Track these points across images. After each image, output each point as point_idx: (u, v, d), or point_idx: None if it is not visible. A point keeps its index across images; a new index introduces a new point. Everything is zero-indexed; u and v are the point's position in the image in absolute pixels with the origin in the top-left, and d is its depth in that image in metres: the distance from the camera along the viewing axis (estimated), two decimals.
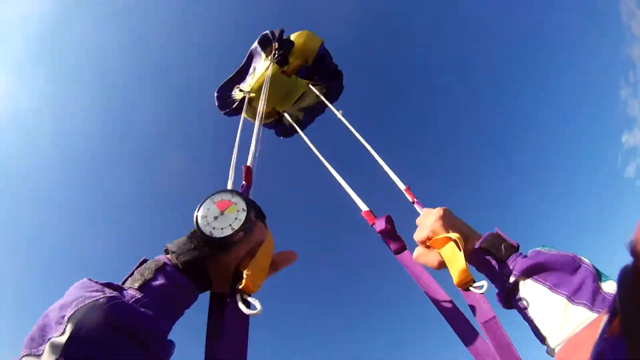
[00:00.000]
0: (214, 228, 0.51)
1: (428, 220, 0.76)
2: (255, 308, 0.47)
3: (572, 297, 0.54)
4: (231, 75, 2.24)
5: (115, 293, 0.40)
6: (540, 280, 0.59)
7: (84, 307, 0.36)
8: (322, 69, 2.28)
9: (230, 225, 0.51)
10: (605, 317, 0.20)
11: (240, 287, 0.49)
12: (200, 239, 0.50)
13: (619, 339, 0.18)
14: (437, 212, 0.75)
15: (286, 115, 2.26)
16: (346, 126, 1.72)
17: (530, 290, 0.59)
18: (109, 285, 0.42)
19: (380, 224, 0.86)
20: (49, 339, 0.34)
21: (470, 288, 0.66)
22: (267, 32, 2.12)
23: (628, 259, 0.19)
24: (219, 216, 0.52)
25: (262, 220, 0.59)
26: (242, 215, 0.52)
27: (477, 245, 0.69)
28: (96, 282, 0.42)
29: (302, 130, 2.14)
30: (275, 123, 2.42)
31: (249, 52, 2.19)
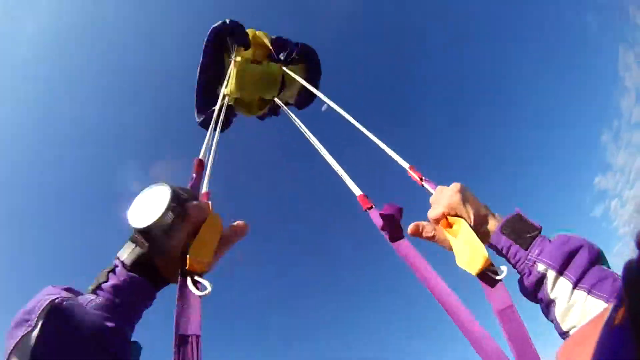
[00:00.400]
0: (140, 219, 0.51)
1: (444, 194, 0.72)
2: (205, 288, 0.49)
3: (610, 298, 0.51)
4: (202, 84, 2.09)
5: (69, 295, 0.44)
6: (568, 276, 0.54)
7: (45, 308, 0.40)
8: (283, 48, 2.19)
9: (154, 211, 0.51)
10: (609, 311, 0.20)
11: (186, 267, 0.50)
12: (138, 236, 0.51)
13: (624, 331, 0.17)
14: (454, 186, 0.71)
15: (277, 100, 2.17)
16: (336, 109, 1.63)
17: (560, 284, 0.55)
18: (68, 289, 0.46)
19: (381, 211, 0.79)
20: (20, 335, 0.38)
21: (488, 273, 0.60)
22: (216, 25, 1.98)
23: (634, 252, 0.18)
24: (146, 209, 0.52)
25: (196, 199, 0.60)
26: (166, 200, 0.52)
27: (497, 228, 0.64)
28: (56, 287, 0.45)
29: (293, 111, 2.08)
30: (269, 112, 2.35)
31: (206, 52, 2.03)
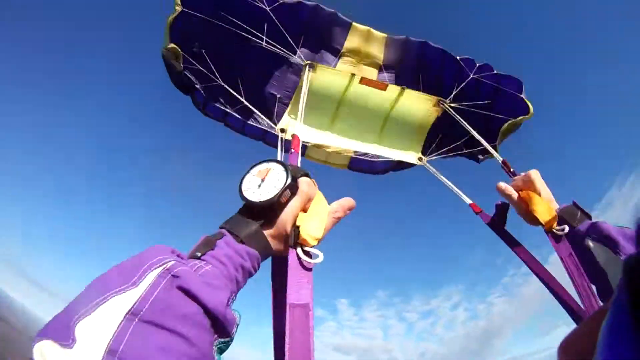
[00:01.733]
0: (260, 194, 0.53)
1: (525, 175, 1.02)
2: (317, 256, 0.51)
3: None
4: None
5: (178, 259, 0.43)
6: (609, 246, 0.72)
7: (155, 271, 0.40)
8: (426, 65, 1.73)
9: (274, 186, 0.54)
10: (611, 307, 0.20)
11: (298, 241, 0.52)
12: (251, 209, 0.53)
13: (629, 332, 0.17)
14: (534, 170, 1.01)
15: (424, 163, 1.84)
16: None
17: (599, 252, 0.74)
18: (173, 251, 0.45)
19: (487, 217, 1.17)
20: (120, 289, 0.37)
21: (554, 230, 0.89)
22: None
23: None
24: (262, 184, 0.55)
25: (307, 177, 0.61)
26: (283, 176, 0.55)
27: (557, 210, 0.92)
28: (164, 248, 0.44)
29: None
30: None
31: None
